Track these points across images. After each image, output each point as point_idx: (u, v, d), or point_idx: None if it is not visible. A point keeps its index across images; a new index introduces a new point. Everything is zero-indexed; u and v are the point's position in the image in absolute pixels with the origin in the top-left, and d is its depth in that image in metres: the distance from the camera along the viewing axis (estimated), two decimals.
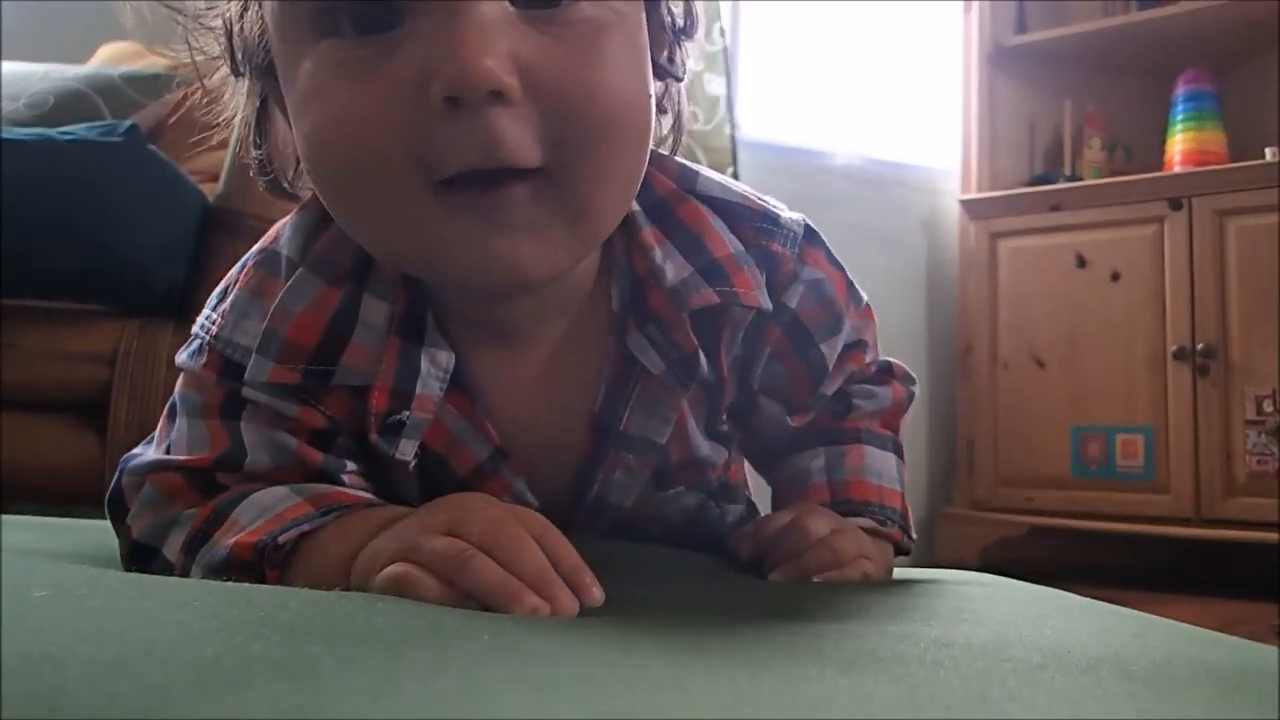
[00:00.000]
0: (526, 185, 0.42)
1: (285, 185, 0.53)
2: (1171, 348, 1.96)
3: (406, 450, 0.50)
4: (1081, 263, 2.08)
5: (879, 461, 0.62)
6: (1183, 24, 2.16)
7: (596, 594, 0.40)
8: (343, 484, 0.50)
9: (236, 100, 0.53)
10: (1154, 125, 2.25)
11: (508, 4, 0.41)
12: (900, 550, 0.61)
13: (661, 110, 0.53)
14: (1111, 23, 2.22)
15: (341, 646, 0.25)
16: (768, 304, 0.53)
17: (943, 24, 2.41)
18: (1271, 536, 1.80)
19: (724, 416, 0.59)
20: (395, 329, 0.50)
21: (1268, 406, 1.88)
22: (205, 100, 0.53)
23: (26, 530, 0.58)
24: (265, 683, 0.21)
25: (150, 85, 1.48)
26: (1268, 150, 2.01)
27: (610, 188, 0.45)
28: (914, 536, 0.62)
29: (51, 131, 1.13)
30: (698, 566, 0.56)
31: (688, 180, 0.54)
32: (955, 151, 2.33)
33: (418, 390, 0.50)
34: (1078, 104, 2.29)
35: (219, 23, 0.49)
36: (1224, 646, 0.39)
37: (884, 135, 2.41)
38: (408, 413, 0.50)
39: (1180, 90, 2.19)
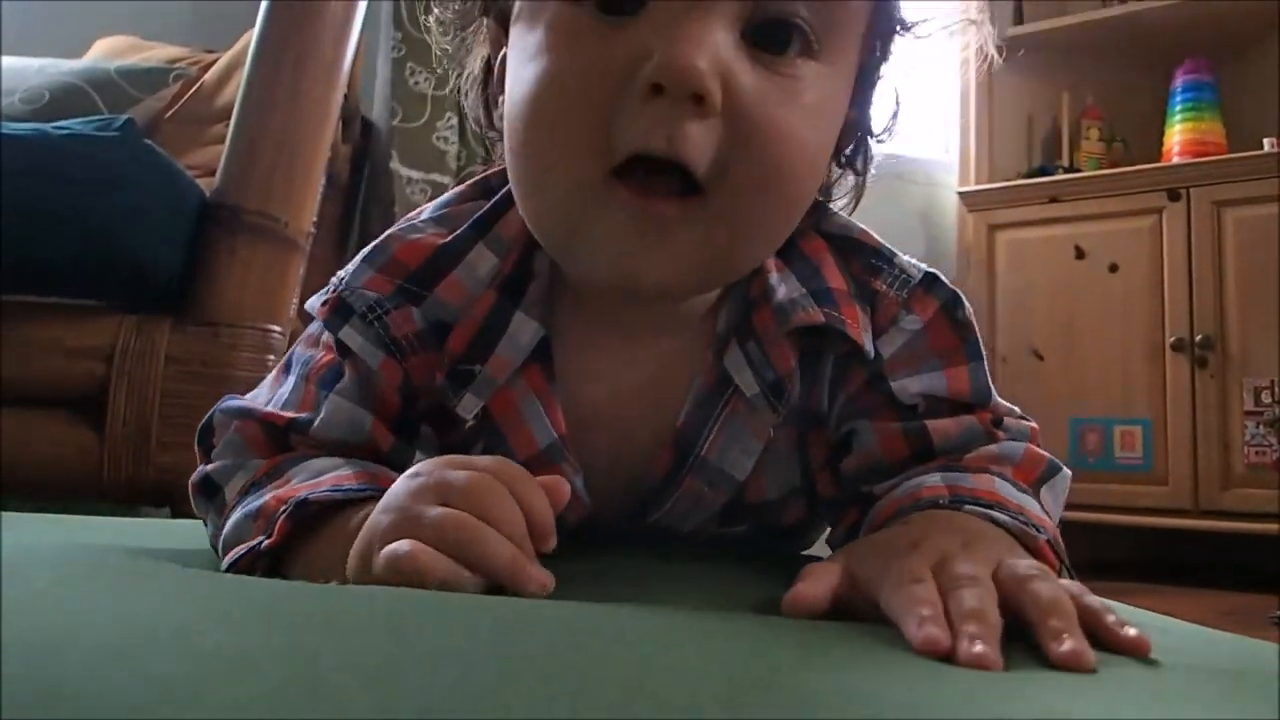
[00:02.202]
0: (681, 202, 0.43)
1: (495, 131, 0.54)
2: (1170, 339, 1.96)
3: (469, 406, 0.50)
4: (1080, 254, 2.08)
5: (1016, 494, 0.48)
6: (1181, 14, 2.16)
7: (550, 544, 0.39)
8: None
9: (469, 49, 0.55)
10: (1152, 116, 2.24)
11: (741, 32, 0.43)
12: None
13: (854, 169, 0.55)
14: (1109, 13, 2.22)
15: (342, 636, 0.25)
16: (870, 347, 0.51)
17: (940, 15, 2.40)
18: (1270, 527, 1.80)
19: (821, 463, 0.54)
20: (497, 284, 0.51)
21: (1266, 397, 1.88)
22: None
23: (26, 526, 0.58)
24: (265, 672, 0.21)
25: (146, 79, 1.47)
26: (1266, 141, 2.01)
27: (761, 228, 0.46)
28: (1073, 574, 0.46)
29: (47, 126, 1.13)
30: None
31: (815, 216, 0.54)
32: (953, 144, 2.33)
33: (496, 350, 0.50)
34: (1076, 95, 2.29)
35: None
36: (1222, 642, 0.39)
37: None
38: (480, 367, 0.50)
39: (1179, 81, 2.19)
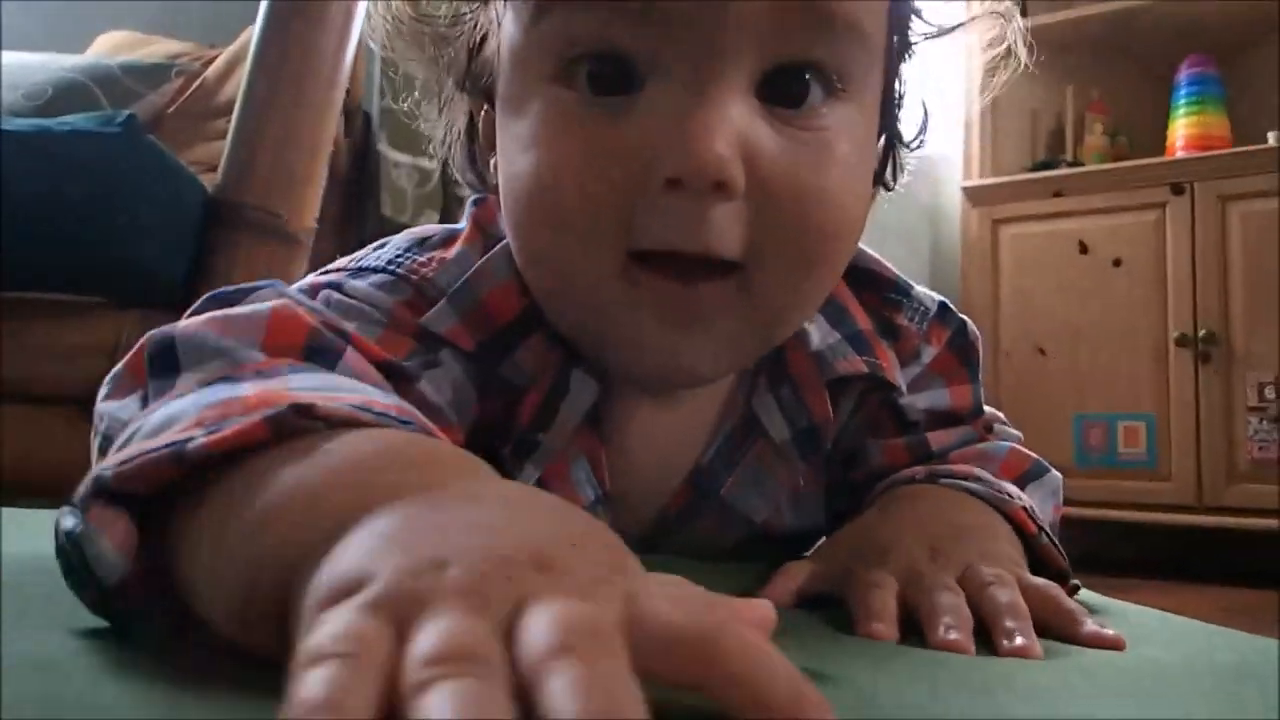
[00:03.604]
0: (718, 284, 0.40)
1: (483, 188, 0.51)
2: (1173, 334, 1.96)
3: (528, 477, 0.47)
4: (1084, 249, 2.07)
5: (994, 479, 0.49)
6: (1184, 9, 2.15)
7: None
8: None
9: (448, 113, 0.52)
10: (1157, 111, 2.23)
11: (755, 90, 0.39)
12: (1043, 558, 0.44)
13: (886, 186, 0.52)
14: (1113, 7, 2.21)
15: None
16: (903, 385, 0.51)
17: (943, 9, 2.39)
18: (1274, 523, 1.80)
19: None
20: (560, 341, 0.47)
21: (1270, 393, 1.87)
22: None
23: (29, 524, 0.58)
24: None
25: (149, 75, 1.47)
26: (1270, 135, 2.00)
27: (804, 299, 0.44)
28: (1062, 552, 0.45)
29: (49, 121, 1.12)
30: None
31: None
32: (957, 139, 2.32)
33: (561, 413, 0.47)
34: (1080, 90, 2.28)
35: (461, 33, 0.47)
36: (1225, 640, 0.39)
37: None
38: (543, 435, 0.46)
39: (1183, 75, 2.18)
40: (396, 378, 0.41)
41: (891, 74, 0.47)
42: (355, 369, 0.38)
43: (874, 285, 0.53)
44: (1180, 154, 2.10)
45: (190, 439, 0.26)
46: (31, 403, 1.07)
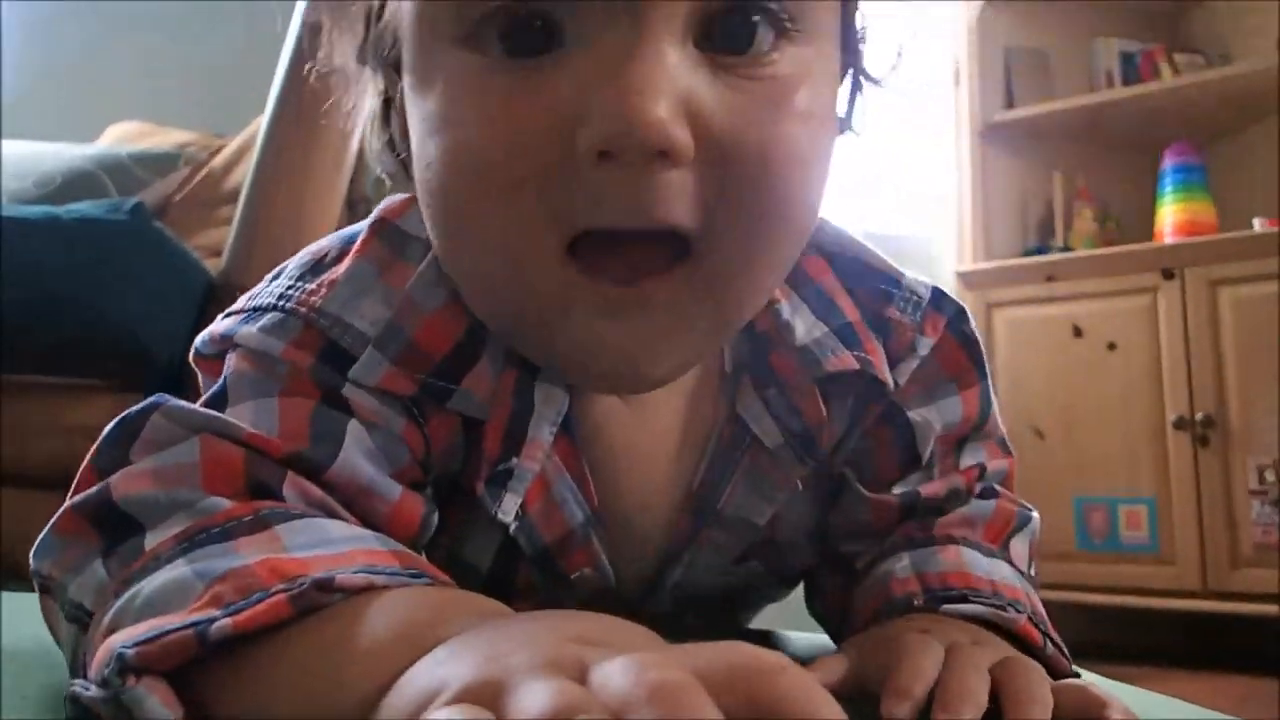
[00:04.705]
0: (671, 272, 0.35)
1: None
2: (1171, 417, 1.96)
3: (509, 507, 0.42)
4: (1078, 333, 2.09)
5: (985, 563, 0.46)
6: (1166, 100, 2.21)
7: None
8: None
9: (356, 93, 0.45)
10: (1143, 197, 2.28)
11: (694, 38, 0.34)
12: (1053, 669, 0.40)
13: (854, 129, 0.46)
14: (1097, 99, 2.27)
15: None
16: (892, 382, 0.46)
17: (933, 100, 2.46)
18: (1277, 609, 1.77)
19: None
20: (516, 357, 0.42)
21: (1270, 476, 1.87)
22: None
23: (28, 610, 0.57)
24: None
25: (157, 163, 1.50)
26: (1255, 221, 2.04)
27: (766, 270, 0.38)
28: (1067, 654, 0.43)
29: (57, 209, 1.15)
30: None
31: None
32: (950, 224, 2.36)
33: (529, 433, 0.42)
34: (1068, 176, 2.33)
35: (360, 7, 0.42)
36: None
37: (880, 210, 2.44)
38: (516, 460, 0.41)
39: (1168, 163, 2.23)
40: (307, 468, 0.37)
41: (850, 3, 0.41)
42: (300, 491, 0.36)
43: (863, 275, 0.48)
44: (1169, 239, 2.13)
45: (212, 619, 0.27)
46: (29, 485, 1.06)
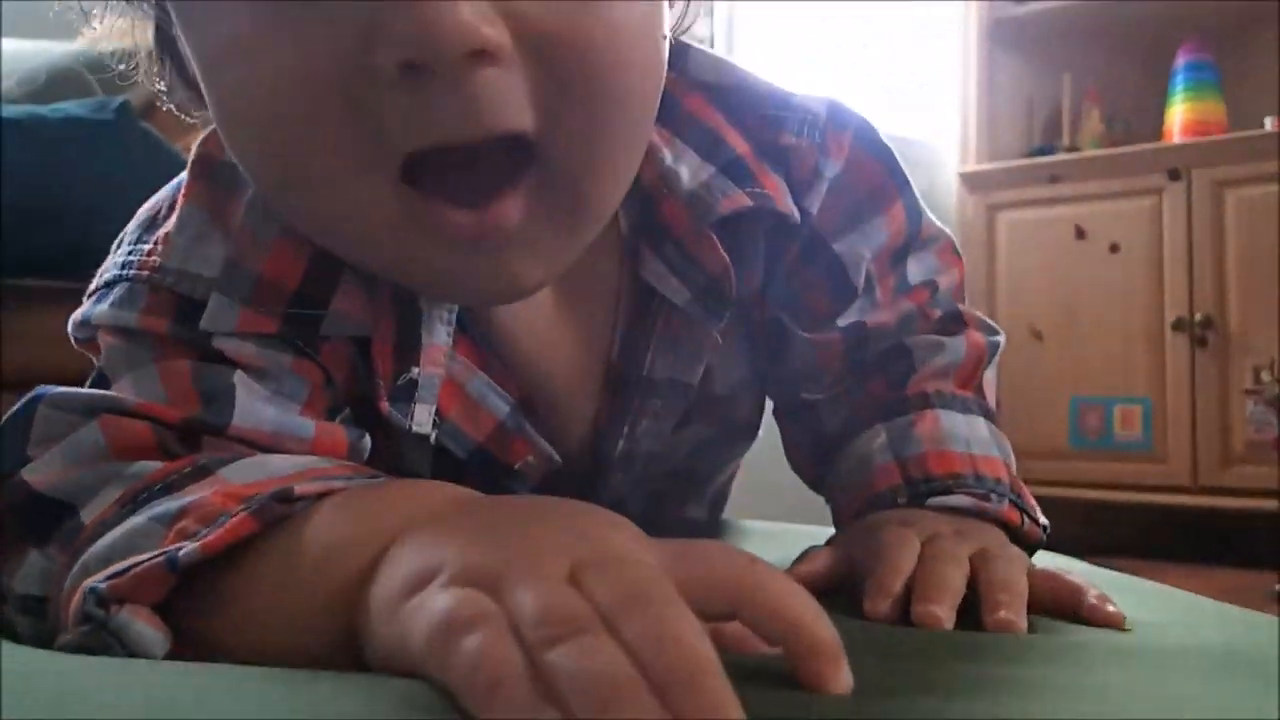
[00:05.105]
0: (518, 188, 0.33)
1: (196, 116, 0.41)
2: (1170, 319, 1.96)
3: (423, 419, 0.40)
4: (1080, 234, 2.08)
5: (963, 427, 0.46)
6: None
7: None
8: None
9: (136, 31, 0.41)
10: (1153, 97, 2.24)
11: None
12: (1029, 542, 0.42)
13: None
14: None
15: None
16: (796, 213, 0.43)
17: None
18: (1269, 504, 1.80)
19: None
20: None
21: (1265, 375, 1.88)
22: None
23: None
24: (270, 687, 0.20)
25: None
26: (1267, 120, 2.00)
27: (615, 163, 0.36)
28: (1043, 523, 0.44)
29: (42, 109, 1.12)
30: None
31: (676, 60, 0.43)
32: (954, 125, 2.32)
33: (424, 340, 0.40)
34: (1077, 77, 2.28)
35: None
36: (1221, 616, 0.39)
37: (883, 110, 2.39)
38: (417, 369, 0.40)
39: (1180, 61, 2.18)
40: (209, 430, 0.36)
41: None
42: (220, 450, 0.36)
43: (748, 104, 0.44)
44: (1177, 140, 2.10)
45: (180, 548, 0.28)
46: (29, 389, 1.06)
